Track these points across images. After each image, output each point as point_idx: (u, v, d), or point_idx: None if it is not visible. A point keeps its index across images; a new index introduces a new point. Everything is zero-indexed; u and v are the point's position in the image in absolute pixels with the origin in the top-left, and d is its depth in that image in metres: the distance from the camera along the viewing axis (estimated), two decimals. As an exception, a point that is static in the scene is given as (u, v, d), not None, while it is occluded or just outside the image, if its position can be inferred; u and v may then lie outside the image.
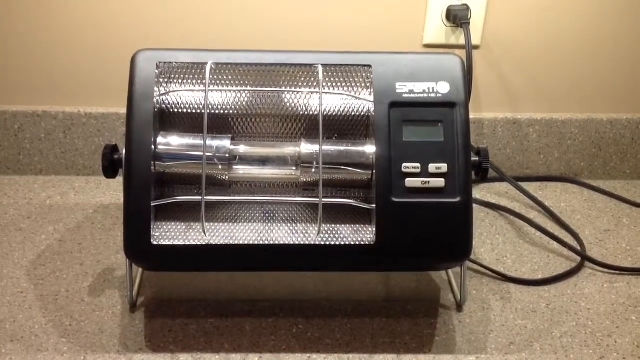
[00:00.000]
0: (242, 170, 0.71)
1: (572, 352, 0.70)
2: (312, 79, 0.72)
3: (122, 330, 0.71)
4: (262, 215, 0.72)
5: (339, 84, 0.72)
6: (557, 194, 1.06)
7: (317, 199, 0.68)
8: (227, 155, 0.70)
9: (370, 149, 0.71)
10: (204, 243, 0.68)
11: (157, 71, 0.69)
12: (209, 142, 0.71)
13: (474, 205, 0.97)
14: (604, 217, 0.99)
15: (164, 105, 0.72)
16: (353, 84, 0.72)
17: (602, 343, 0.72)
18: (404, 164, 0.68)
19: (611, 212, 1.00)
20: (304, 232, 0.70)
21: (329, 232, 0.70)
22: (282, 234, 0.69)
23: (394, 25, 1.02)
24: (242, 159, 0.71)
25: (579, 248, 0.89)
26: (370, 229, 0.70)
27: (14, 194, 1.00)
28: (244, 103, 0.73)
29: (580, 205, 1.03)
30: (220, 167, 0.71)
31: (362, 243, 0.68)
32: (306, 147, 0.71)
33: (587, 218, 0.98)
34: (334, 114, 0.73)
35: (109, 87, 1.03)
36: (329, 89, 0.72)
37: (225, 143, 0.71)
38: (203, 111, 0.72)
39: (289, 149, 0.72)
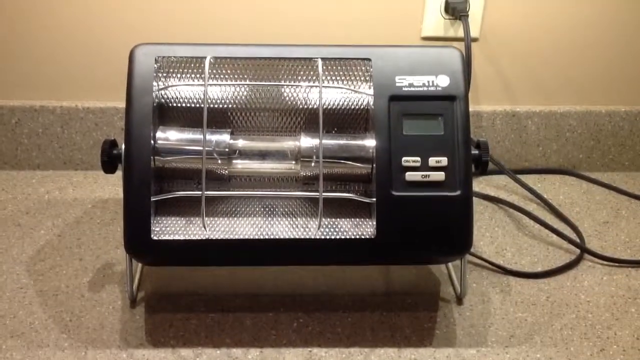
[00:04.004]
0: (241, 165, 0.71)
1: (572, 344, 0.70)
2: (312, 73, 0.72)
3: (123, 325, 0.71)
4: (262, 209, 0.72)
5: (338, 78, 0.72)
6: (556, 187, 1.06)
7: (317, 193, 0.68)
8: (227, 150, 0.70)
9: (370, 142, 0.70)
10: (204, 238, 0.68)
11: (155, 65, 0.69)
12: (208, 136, 0.70)
13: (473, 198, 0.96)
14: (602, 209, 0.99)
15: (163, 100, 0.72)
16: (352, 78, 0.72)
17: (602, 335, 0.72)
18: (404, 158, 0.68)
19: (610, 204, 1.01)
20: (304, 226, 0.70)
21: (329, 226, 0.70)
22: (282, 228, 0.69)
23: (392, 18, 1.01)
24: (241, 153, 0.71)
25: (578, 240, 0.89)
26: (370, 223, 0.70)
27: (12, 189, 1.00)
28: (243, 97, 0.73)
29: (579, 197, 1.03)
30: (219, 161, 0.70)
31: (363, 237, 0.68)
32: (306, 141, 0.71)
33: (586, 210, 0.99)
34: (334, 107, 0.73)
35: (106, 81, 1.03)
36: (329, 82, 0.72)
37: (224, 137, 0.71)
38: (202, 105, 0.72)
39: (288, 143, 0.72)
